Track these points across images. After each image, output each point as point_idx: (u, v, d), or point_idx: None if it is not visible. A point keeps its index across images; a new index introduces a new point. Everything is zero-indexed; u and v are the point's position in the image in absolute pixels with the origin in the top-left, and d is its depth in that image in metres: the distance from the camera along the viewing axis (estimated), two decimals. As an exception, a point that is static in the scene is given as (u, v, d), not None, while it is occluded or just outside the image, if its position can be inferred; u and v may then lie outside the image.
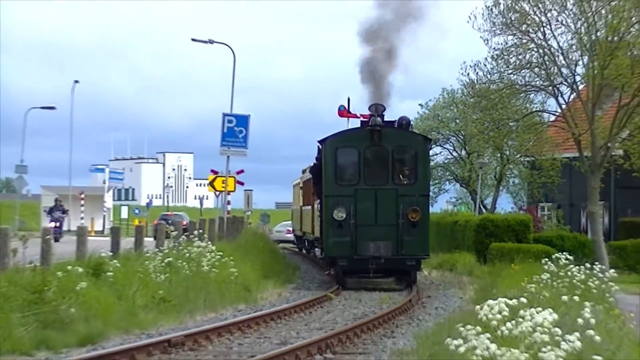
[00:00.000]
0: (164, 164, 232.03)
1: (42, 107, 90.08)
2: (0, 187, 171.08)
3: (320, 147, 38.78)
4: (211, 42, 57.21)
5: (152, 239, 39.03)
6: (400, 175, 36.96)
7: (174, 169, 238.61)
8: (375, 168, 36.88)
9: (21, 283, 22.99)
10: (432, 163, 61.20)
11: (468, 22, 54.43)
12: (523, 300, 14.45)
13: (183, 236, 36.21)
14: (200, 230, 38.05)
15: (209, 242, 36.01)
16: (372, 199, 35.92)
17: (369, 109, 39.25)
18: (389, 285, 37.99)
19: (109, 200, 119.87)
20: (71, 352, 20.43)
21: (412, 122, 40.84)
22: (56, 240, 43.20)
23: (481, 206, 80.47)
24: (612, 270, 26.98)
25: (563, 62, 53.38)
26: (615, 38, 49.93)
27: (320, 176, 38.35)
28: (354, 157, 36.85)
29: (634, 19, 50.10)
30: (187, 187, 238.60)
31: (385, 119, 39.88)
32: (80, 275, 24.40)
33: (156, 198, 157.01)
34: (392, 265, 36.61)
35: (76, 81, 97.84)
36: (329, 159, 37.08)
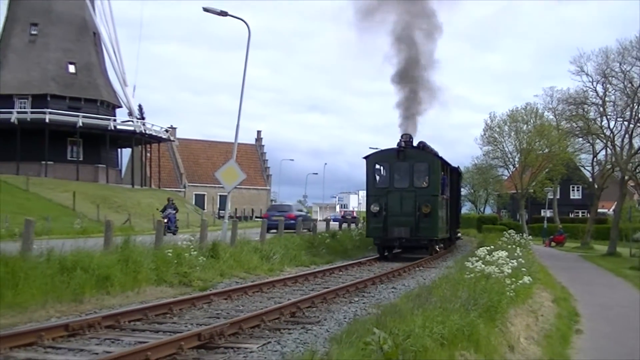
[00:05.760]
0: (358, 195, 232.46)
1: (313, 173, 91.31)
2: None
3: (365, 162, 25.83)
4: (372, 149, 56.90)
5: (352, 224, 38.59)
6: (419, 181, 24.02)
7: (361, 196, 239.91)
8: (400, 176, 24.21)
9: (305, 239, 22.90)
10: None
11: (474, 141, 55.14)
12: (494, 247, 13.79)
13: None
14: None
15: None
16: (398, 198, 23.76)
17: (401, 136, 25.27)
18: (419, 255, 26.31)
19: (337, 209, 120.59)
20: (323, 266, 19.72)
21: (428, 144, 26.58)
22: (172, 233, 27.50)
23: (480, 211, 78.91)
24: (529, 237, 25.80)
25: (509, 156, 52.60)
26: (530, 147, 49.31)
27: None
28: (386, 168, 24.31)
29: (536, 139, 48.91)
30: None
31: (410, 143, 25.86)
32: (327, 237, 24.20)
33: (355, 208, 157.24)
34: (411, 243, 24.03)
35: (325, 163, 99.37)
36: (370, 170, 24.51)
